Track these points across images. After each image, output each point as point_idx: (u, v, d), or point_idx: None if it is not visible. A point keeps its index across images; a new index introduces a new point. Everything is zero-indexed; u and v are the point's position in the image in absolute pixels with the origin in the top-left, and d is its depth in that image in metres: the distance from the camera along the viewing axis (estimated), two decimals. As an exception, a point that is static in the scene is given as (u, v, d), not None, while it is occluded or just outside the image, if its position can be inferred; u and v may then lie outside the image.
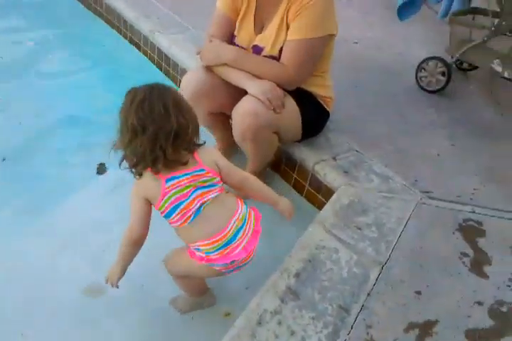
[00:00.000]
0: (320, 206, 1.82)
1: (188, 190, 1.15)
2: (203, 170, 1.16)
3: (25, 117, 2.24)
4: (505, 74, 2.34)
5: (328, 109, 1.83)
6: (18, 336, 1.37)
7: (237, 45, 1.65)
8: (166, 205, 1.15)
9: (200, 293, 1.46)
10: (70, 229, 1.71)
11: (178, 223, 1.19)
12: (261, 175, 1.90)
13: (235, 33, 1.66)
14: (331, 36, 1.58)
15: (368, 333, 1.23)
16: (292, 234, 1.58)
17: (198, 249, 1.21)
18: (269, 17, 1.58)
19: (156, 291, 1.53)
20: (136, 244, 1.20)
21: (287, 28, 1.54)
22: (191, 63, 2.29)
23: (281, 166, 1.98)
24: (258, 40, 1.62)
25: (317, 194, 1.82)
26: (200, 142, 1.17)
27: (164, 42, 2.54)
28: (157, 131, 1.04)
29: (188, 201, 1.15)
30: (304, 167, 1.84)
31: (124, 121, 1.06)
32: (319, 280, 1.33)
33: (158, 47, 2.60)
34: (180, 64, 2.43)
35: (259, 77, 1.56)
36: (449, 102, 2.45)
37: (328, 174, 1.75)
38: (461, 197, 1.82)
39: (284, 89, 1.59)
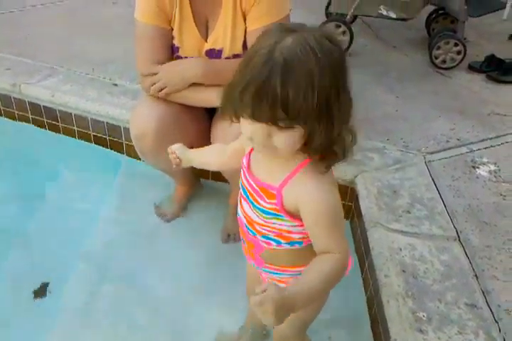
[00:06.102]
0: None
1: None
2: None
3: None
4: (391, 15, 2.37)
5: None
6: None
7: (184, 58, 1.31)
8: None
9: None
10: None
11: None
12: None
13: (177, 44, 1.30)
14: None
15: (516, 319, 1.06)
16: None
17: None
18: (213, 14, 1.26)
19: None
20: None
21: (244, 19, 1.24)
22: (94, 108, 1.83)
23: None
24: (211, 44, 1.28)
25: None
26: None
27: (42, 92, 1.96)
28: None
29: None
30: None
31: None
32: (428, 287, 1.12)
33: (30, 102, 2.03)
34: (89, 115, 1.87)
35: None
36: (359, 60, 2.37)
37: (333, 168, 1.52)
38: (450, 141, 1.76)
39: None
